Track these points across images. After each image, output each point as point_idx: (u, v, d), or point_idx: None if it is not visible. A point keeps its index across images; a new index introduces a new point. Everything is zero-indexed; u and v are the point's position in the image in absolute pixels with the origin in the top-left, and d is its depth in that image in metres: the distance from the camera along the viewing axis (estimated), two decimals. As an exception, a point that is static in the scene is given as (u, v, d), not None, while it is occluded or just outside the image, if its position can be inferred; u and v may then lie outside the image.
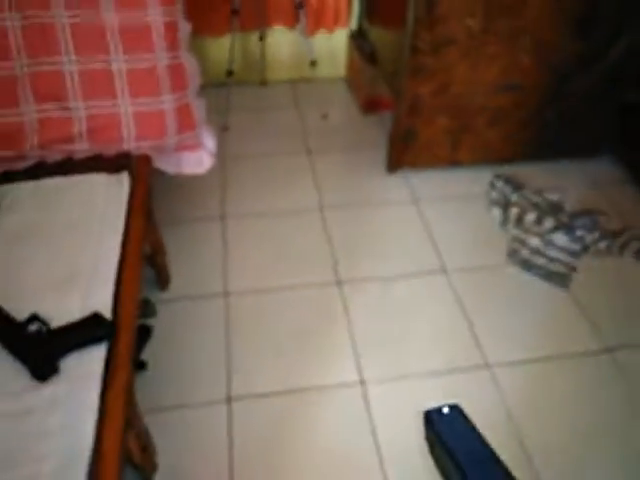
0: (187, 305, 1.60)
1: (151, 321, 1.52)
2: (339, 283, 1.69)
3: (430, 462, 1.27)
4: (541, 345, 1.53)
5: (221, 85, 2.32)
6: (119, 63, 1.40)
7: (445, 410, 1.24)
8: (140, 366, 1.40)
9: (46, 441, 0.85)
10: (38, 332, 0.99)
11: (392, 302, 1.64)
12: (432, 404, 1.28)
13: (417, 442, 1.30)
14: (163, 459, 1.25)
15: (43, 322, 1.00)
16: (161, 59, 1.46)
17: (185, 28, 1.54)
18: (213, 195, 1.98)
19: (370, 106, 2.36)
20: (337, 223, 1.90)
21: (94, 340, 0.99)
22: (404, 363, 1.48)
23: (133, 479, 1.18)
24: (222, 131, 2.26)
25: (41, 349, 0.96)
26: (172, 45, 1.48)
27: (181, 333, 1.53)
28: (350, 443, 1.31)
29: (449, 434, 1.19)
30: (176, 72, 1.49)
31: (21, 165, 1.40)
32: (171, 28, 1.46)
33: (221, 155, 2.14)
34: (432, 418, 1.23)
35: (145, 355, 1.44)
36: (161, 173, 1.60)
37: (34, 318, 1.01)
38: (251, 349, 1.50)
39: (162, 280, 1.61)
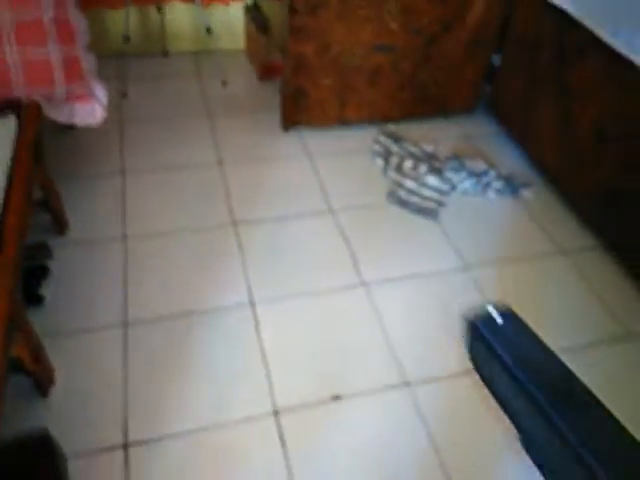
0: (86, 248, 1.68)
1: (49, 263, 1.59)
2: (234, 224, 1.83)
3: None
4: (411, 265, 1.75)
5: (120, 55, 2.39)
6: (5, 15, 1.46)
7: (499, 320, 0.82)
8: (37, 300, 1.48)
9: None
10: None
11: (283, 239, 1.80)
12: (313, 321, 1.46)
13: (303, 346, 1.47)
14: (60, 381, 1.34)
15: None
16: (47, 13, 1.54)
17: (71, -14, 1.62)
18: (112, 153, 2.05)
19: (267, 72, 2.51)
20: (235, 175, 2.03)
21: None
22: (291, 286, 1.65)
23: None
24: (121, 97, 2.33)
25: None
26: (58, 2, 1.56)
27: (80, 273, 1.61)
28: (238, 359, 1.46)
29: (512, 352, 0.78)
30: (62, 26, 1.57)
31: None
32: (56, -17, 1.54)
33: (120, 118, 2.23)
34: (482, 331, 0.82)
35: (43, 292, 1.51)
36: (59, 128, 1.66)
37: None
38: (147, 283, 1.61)
39: (59, 225, 1.68)
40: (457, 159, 2.14)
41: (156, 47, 2.63)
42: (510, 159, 2.22)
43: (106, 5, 2.40)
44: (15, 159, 1.34)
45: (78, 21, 1.67)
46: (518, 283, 1.74)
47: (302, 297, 1.62)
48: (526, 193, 2.05)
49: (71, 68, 1.58)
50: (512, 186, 2.06)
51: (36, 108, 1.52)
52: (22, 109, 1.48)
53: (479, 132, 2.38)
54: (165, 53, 2.65)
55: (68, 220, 1.72)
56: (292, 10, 1.88)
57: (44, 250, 1.58)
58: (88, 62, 1.66)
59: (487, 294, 1.69)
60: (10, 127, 1.41)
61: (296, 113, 2.20)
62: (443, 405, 1.40)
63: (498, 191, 2.05)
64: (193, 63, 2.65)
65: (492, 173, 2.09)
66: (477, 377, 0.78)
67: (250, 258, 1.72)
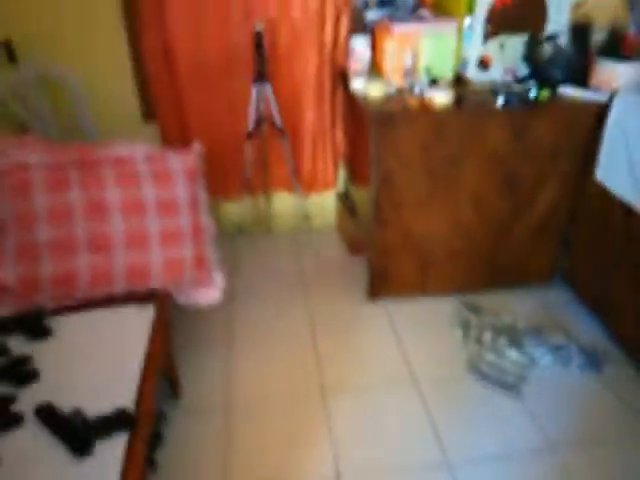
0: (193, 414, 1.92)
1: (163, 428, 1.83)
2: (323, 393, 2.00)
3: None
4: (494, 443, 1.78)
5: (234, 236, 2.86)
6: (153, 225, 1.91)
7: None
8: (150, 463, 1.69)
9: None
10: (79, 421, 1.34)
11: (369, 409, 1.93)
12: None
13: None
14: None
15: (82, 414, 1.35)
16: (185, 221, 1.97)
17: (204, 197, 2.08)
18: (221, 324, 2.38)
19: (355, 249, 2.84)
20: (324, 343, 2.26)
21: (119, 429, 1.33)
22: (376, 459, 1.74)
23: None
24: (232, 273, 2.74)
25: (80, 433, 1.31)
26: (194, 210, 2.00)
27: (187, 437, 1.83)
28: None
29: None
30: (196, 230, 1.99)
31: (72, 301, 1.84)
32: (194, 199, 1.98)
33: (230, 291, 2.60)
34: None
35: (156, 456, 1.73)
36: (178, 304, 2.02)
37: (77, 412, 1.37)
38: (245, 449, 1.78)
39: (174, 391, 1.95)
40: (537, 332, 2.22)
41: (262, 227, 3.10)
42: (589, 330, 2.27)
43: (224, 196, 2.94)
44: (150, 343, 1.66)
45: (208, 222, 2.11)
46: (608, 468, 1.70)
47: (387, 471, 1.70)
48: (608, 368, 2.06)
49: (199, 262, 1.97)
50: (594, 361, 2.08)
51: (169, 297, 1.89)
52: (157, 298, 1.85)
53: (557, 302, 2.46)
54: (269, 231, 3.11)
55: (182, 386, 2.00)
56: (378, 207, 2.22)
57: (162, 418, 1.83)
58: (212, 254, 2.06)
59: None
60: (148, 315, 1.76)
61: (381, 286, 2.45)
62: None
63: (580, 366, 2.08)
64: (292, 240, 3.07)
65: (573, 347, 2.13)
66: None
67: (337, 429, 1.86)
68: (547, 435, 1.82)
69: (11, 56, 2.40)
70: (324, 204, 3.08)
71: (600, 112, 2.08)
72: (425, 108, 2.05)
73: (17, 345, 1.59)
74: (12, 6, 2.35)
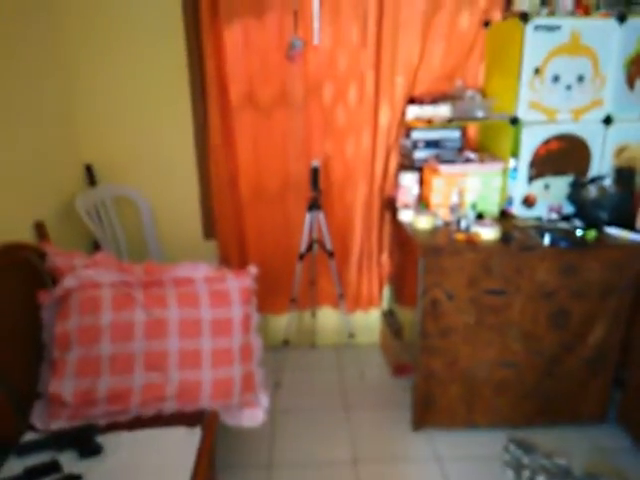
0: None
1: None
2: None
3: None
4: None
5: (278, 349, 2.90)
6: (207, 344, 1.99)
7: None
8: None
9: None
10: None
11: None
12: None
13: None
14: None
15: None
16: (237, 341, 2.04)
17: (256, 317, 2.17)
18: (261, 445, 2.36)
19: (399, 370, 2.82)
20: (367, 472, 2.18)
21: None
22: None
23: None
24: (275, 387, 2.74)
25: None
26: (245, 330, 2.07)
27: None
28: None
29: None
30: (246, 349, 2.05)
31: (124, 418, 1.89)
32: (247, 319, 2.06)
33: (272, 408, 2.59)
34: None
35: None
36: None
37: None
38: None
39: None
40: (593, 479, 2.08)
41: (306, 340, 3.13)
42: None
43: (272, 311, 3.02)
44: (197, 466, 1.66)
45: (257, 342, 2.17)
46: None
47: None
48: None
49: (247, 383, 2.01)
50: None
51: (215, 417, 1.92)
52: (205, 420, 1.88)
53: (612, 445, 2.32)
54: (313, 345, 3.14)
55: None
56: (424, 333, 2.24)
57: None
58: (259, 375, 2.10)
59: None
60: (195, 437, 1.78)
61: (426, 415, 2.39)
62: None
63: (646, 524, 1.92)
64: (335, 355, 3.08)
65: (636, 501, 1.98)
66: None
67: None
68: None
69: (92, 179, 2.69)
70: (369, 322, 3.11)
71: (649, 253, 2.11)
72: (472, 242, 2.14)
73: (68, 462, 1.63)
74: (96, 135, 2.68)
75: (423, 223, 2.29)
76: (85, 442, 1.70)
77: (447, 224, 2.32)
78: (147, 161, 2.73)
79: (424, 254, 2.12)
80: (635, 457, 2.25)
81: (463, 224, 2.24)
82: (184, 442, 1.75)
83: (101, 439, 1.72)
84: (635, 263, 2.15)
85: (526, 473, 2.15)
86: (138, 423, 1.84)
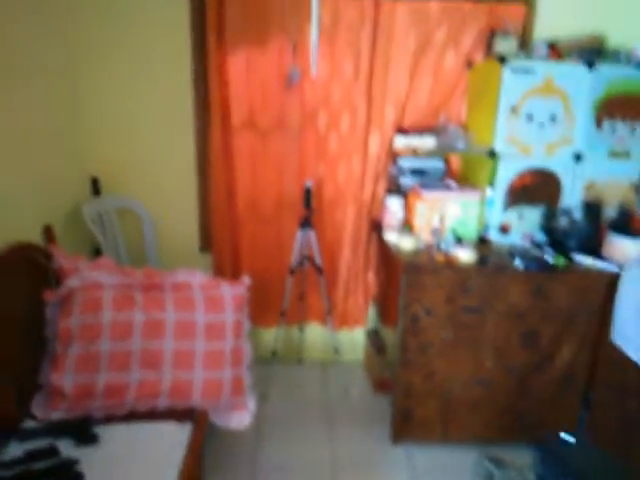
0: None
1: None
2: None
3: None
4: None
5: (266, 362, 3.02)
6: (200, 346, 2.11)
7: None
8: None
9: None
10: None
11: None
12: None
13: None
14: None
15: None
16: (228, 345, 2.16)
17: (247, 324, 2.29)
18: (246, 451, 2.46)
19: (381, 386, 2.94)
20: (344, 483, 2.29)
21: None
22: None
23: None
24: (262, 399, 2.85)
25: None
26: (237, 335, 2.19)
27: None
28: None
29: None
30: (237, 354, 2.17)
31: (119, 411, 1.99)
32: (238, 325, 2.18)
33: (258, 417, 2.69)
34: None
35: None
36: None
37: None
38: None
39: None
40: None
41: (293, 356, 3.25)
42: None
43: (262, 324, 3.15)
44: (185, 463, 1.76)
45: (247, 347, 2.29)
46: None
47: None
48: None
49: (236, 385, 2.12)
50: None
51: (205, 416, 2.03)
52: (195, 417, 1.99)
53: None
54: (300, 361, 3.26)
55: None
56: (403, 348, 2.38)
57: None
58: (248, 379, 2.21)
59: None
60: (185, 432, 1.89)
61: (404, 429, 2.51)
62: None
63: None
64: (320, 371, 3.19)
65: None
66: None
67: None
68: None
69: (96, 190, 2.84)
70: (354, 340, 3.25)
71: (613, 281, 2.28)
72: (450, 263, 2.31)
73: (66, 448, 1.74)
74: (102, 150, 2.85)
75: (407, 244, 2.46)
76: (82, 431, 1.81)
77: (429, 246, 2.50)
78: (150, 175, 2.90)
79: (406, 271, 2.28)
80: (599, 473, 2.37)
81: (443, 246, 2.41)
82: (175, 436, 1.87)
83: (97, 430, 1.84)
84: (601, 289, 2.32)
85: (496, 484, 2.27)
86: (133, 416, 1.95)
